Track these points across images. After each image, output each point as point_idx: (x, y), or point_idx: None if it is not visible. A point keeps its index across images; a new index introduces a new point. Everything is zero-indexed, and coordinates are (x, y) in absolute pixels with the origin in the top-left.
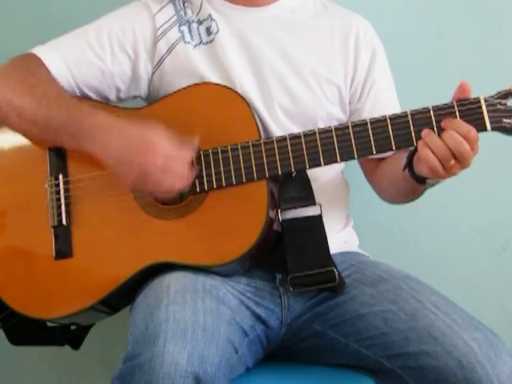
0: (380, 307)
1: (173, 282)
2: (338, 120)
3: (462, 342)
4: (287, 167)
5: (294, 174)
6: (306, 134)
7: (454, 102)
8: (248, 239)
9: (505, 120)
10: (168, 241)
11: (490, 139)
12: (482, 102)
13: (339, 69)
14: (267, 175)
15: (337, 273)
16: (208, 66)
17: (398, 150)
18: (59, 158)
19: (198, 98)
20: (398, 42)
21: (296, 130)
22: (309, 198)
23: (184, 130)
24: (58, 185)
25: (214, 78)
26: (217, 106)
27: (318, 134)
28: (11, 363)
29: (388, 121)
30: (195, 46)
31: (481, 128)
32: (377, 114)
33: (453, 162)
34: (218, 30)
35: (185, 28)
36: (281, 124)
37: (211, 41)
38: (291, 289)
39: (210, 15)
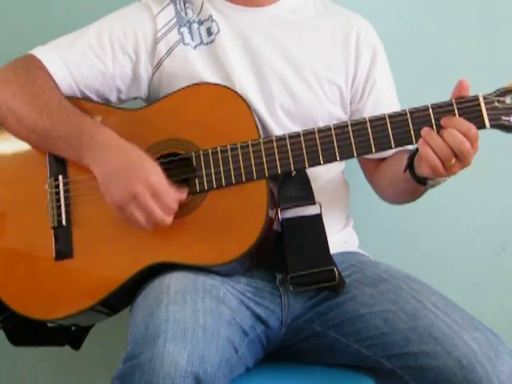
0: (380, 307)
1: (173, 282)
2: (338, 120)
3: (462, 342)
4: (287, 166)
5: (293, 174)
6: (305, 133)
7: (453, 100)
8: (248, 239)
9: (503, 117)
10: (168, 241)
11: (489, 139)
12: (481, 99)
13: (340, 69)
14: (267, 174)
15: (337, 272)
16: (208, 67)
17: (398, 148)
18: (59, 159)
19: (197, 97)
20: (397, 41)
21: (297, 130)
22: (308, 198)
23: (183, 129)
24: (57, 186)
25: (214, 78)
26: (216, 105)
27: (317, 133)
28: (12, 364)
29: (387, 119)
30: (195, 46)
31: (480, 125)
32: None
33: (453, 160)
34: (219, 31)
35: (185, 29)
36: (282, 124)
37: (212, 41)
38: (291, 288)
39: (210, 16)
